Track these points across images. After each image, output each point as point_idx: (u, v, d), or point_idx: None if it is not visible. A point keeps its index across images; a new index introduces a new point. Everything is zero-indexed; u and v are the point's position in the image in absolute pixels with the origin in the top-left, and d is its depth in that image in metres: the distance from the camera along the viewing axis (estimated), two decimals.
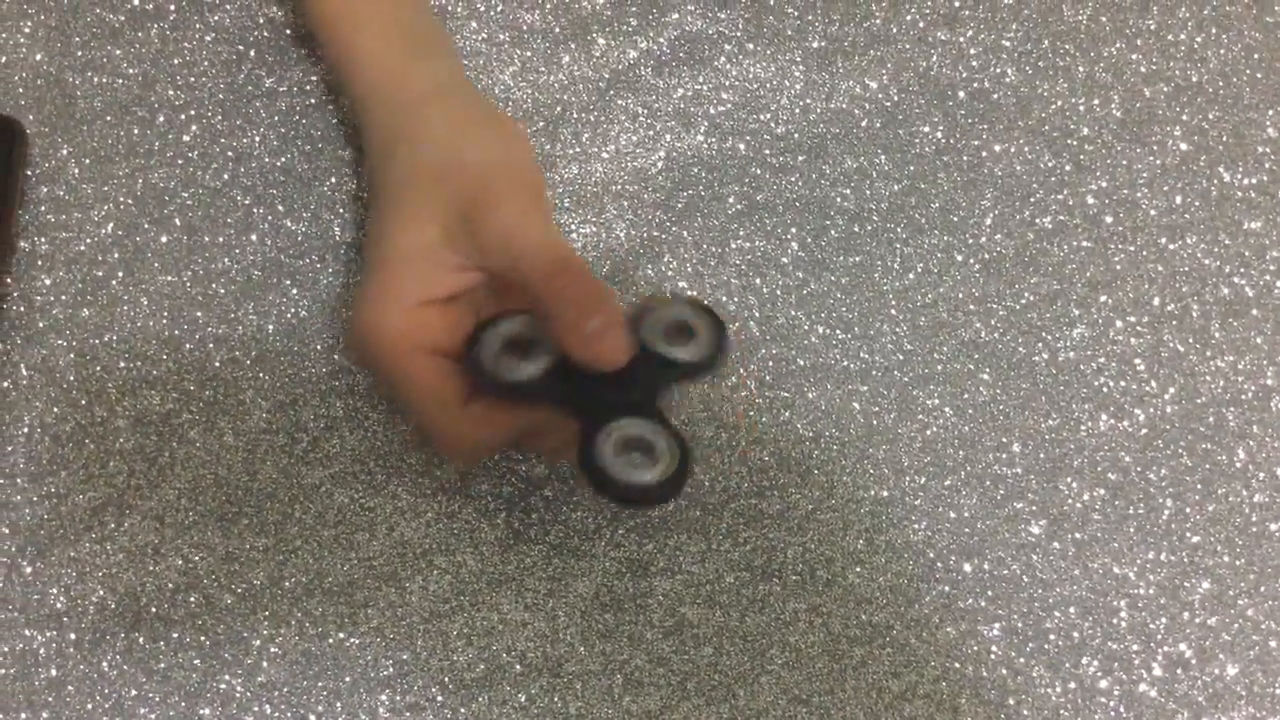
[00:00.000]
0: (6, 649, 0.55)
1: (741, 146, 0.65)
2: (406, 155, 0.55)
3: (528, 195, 0.54)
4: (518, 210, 0.53)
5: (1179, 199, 0.65)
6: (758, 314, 0.62)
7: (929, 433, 0.60)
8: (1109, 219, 0.64)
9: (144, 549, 0.57)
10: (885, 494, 0.59)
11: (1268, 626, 0.58)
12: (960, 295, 0.63)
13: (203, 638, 0.56)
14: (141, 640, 0.55)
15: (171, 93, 0.64)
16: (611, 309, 0.50)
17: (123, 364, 0.59)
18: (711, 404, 0.60)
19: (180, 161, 0.63)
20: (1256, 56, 0.67)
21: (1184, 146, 0.65)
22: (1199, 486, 0.60)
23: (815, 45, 0.67)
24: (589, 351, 0.49)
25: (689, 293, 0.62)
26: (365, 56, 0.58)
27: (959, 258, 0.63)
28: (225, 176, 0.63)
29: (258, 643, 0.56)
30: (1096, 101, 0.66)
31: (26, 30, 0.65)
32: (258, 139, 0.64)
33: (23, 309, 0.60)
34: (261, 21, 0.66)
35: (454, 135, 0.55)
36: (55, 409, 0.58)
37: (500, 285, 0.54)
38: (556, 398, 0.51)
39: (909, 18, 0.67)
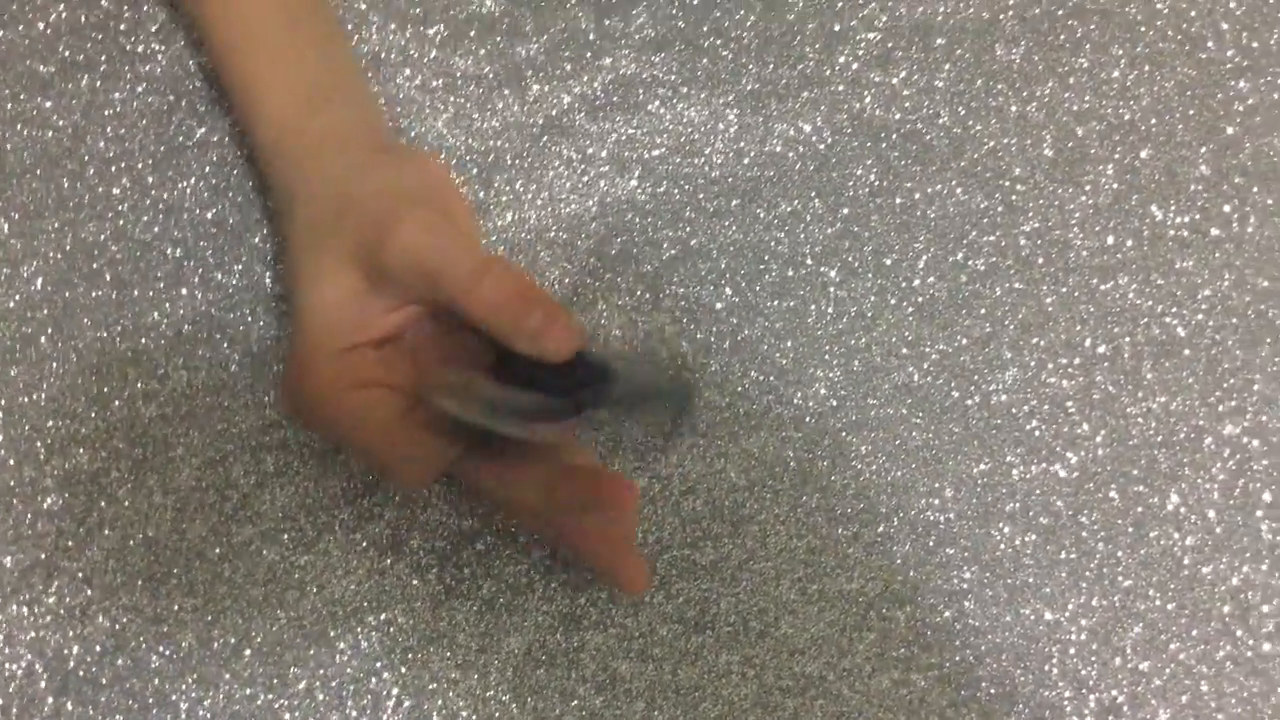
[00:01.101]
0: None
1: (675, 191, 0.65)
2: (304, 210, 0.55)
3: (429, 213, 0.52)
4: (419, 229, 0.51)
5: (1111, 239, 0.65)
6: (691, 361, 0.62)
7: (862, 479, 0.60)
8: (1040, 260, 0.64)
9: (72, 611, 0.56)
10: (818, 542, 0.59)
11: (1199, 671, 0.58)
12: (893, 339, 0.63)
13: (131, 701, 0.55)
14: (69, 705, 0.55)
15: (102, 145, 0.64)
16: (548, 300, 0.49)
17: (51, 423, 0.59)
18: (645, 454, 0.60)
19: (110, 215, 0.63)
20: (1189, 93, 0.68)
21: (1116, 185, 0.66)
22: (1130, 530, 0.60)
23: (749, 88, 0.67)
24: (538, 347, 0.49)
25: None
26: (266, 111, 0.58)
27: (892, 301, 0.63)
28: (156, 229, 0.63)
29: (186, 705, 0.55)
30: (1029, 141, 0.66)
31: None
32: (188, 190, 0.63)
33: None
34: (193, 70, 0.65)
35: (348, 180, 0.54)
36: None
37: (440, 314, 0.53)
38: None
39: (842, 59, 0.67)
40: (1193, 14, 0.69)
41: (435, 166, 0.59)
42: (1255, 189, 0.66)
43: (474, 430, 0.51)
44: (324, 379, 0.51)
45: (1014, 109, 0.67)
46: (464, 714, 0.56)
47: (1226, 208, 0.65)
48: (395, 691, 0.56)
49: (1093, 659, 0.58)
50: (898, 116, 0.67)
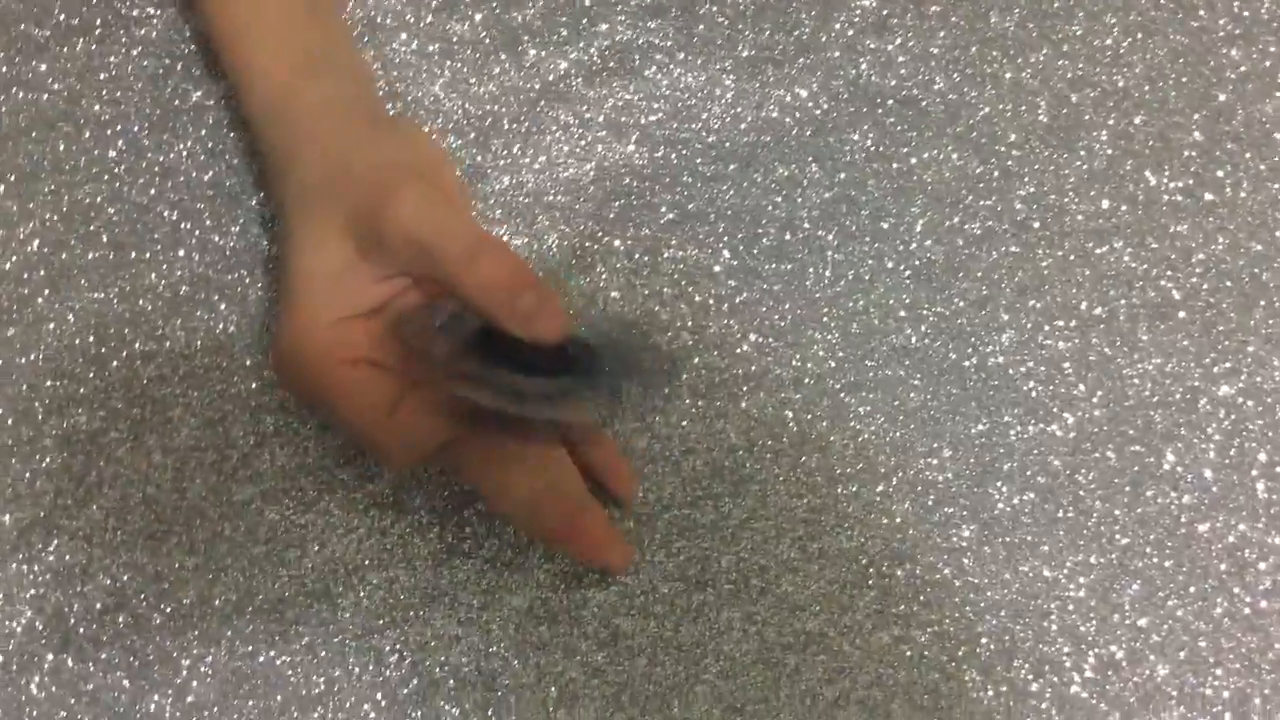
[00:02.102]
0: None
1: (673, 156, 0.65)
2: (298, 176, 0.54)
3: (425, 187, 0.52)
4: (417, 202, 0.51)
5: (1105, 203, 0.65)
6: (690, 323, 0.62)
7: (861, 440, 0.61)
8: (1036, 224, 0.65)
9: (72, 569, 0.56)
10: (818, 501, 0.59)
11: (1197, 627, 0.58)
12: (891, 302, 0.63)
13: (132, 658, 0.55)
14: (70, 661, 0.55)
15: (97, 108, 0.64)
16: (540, 282, 0.49)
17: (49, 383, 0.59)
18: (644, 414, 0.60)
19: (106, 177, 0.63)
20: (1182, 61, 0.68)
21: (1110, 151, 0.66)
22: (1128, 489, 0.60)
23: (745, 54, 0.67)
24: (528, 327, 0.48)
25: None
26: (259, 76, 0.57)
27: (889, 264, 0.64)
28: (152, 192, 0.63)
29: (187, 662, 0.55)
30: (1024, 108, 0.67)
31: None
32: (185, 153, 0.63)
33: None
34: (188, 35, 0.65)
35: (345, 149, 0.54)
36: None
37: (429, 286, 0.53)
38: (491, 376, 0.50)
39: (838, 26, 0.68)
40: None
41: (430, 142, 0.59)
42: (1248, 154, 0.66)
43: (463, 414, 0.51)
44: (316, 352, 0.51)
45: (1009, 75, 0.67)
46: (466, 670, 0.56)
47: (1220, 173, 0.66)
48: (398, 648, 0.56)
49: (1091, 615, 0.58)
50: (893, 83, 0.67)
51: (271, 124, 0.57)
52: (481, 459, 0.54)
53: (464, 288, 0.49)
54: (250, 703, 0.55)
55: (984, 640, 0.58)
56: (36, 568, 0.56)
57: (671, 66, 0.67)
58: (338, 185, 0.53)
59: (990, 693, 0.57)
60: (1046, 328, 0.63)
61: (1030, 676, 0.57)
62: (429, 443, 0.52)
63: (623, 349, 0.53)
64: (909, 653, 0.57)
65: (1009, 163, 0.66)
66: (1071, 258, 0.64)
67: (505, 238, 0.63)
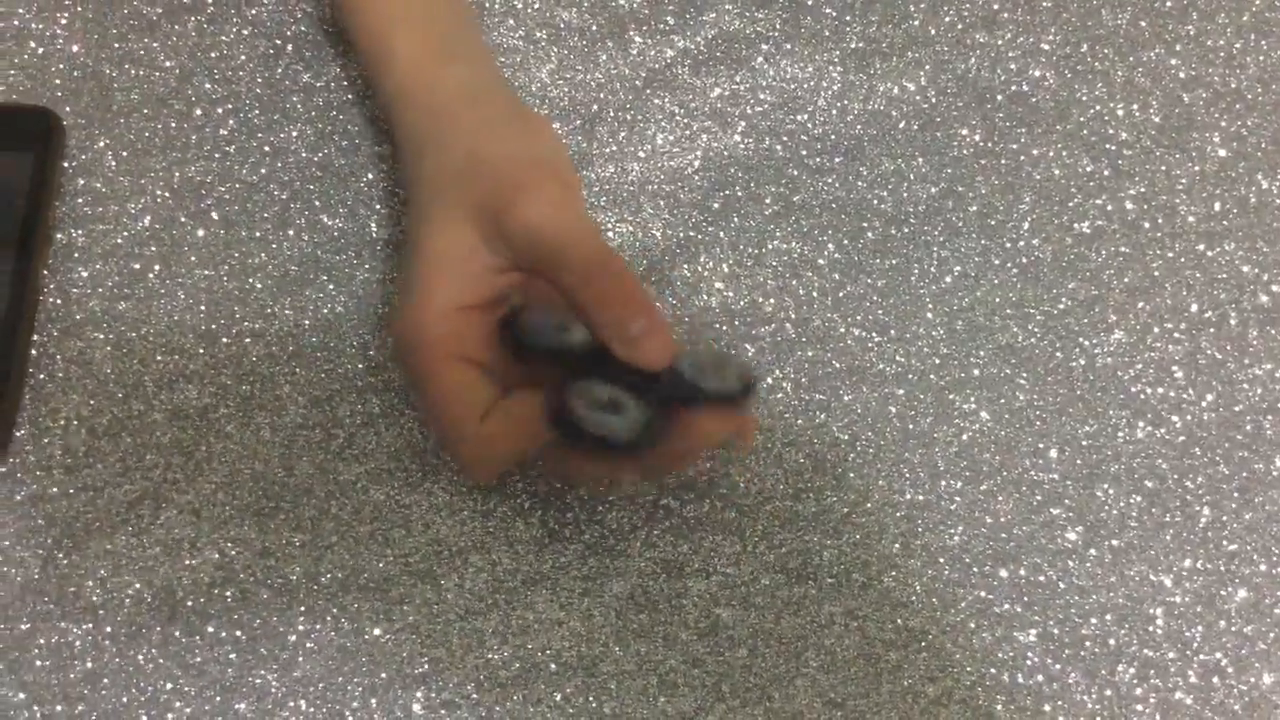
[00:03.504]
0: (43, 641, 0.55)
1: (778, 147, 0.65)
2: (434, 159, 0.55)
3: (557, 188, 0.53)
4: (546, 204, 0.52)
5: (1217, 205, 0.64)
6: (794, 316, 0.62)
7: (965, 437, 0.60)
8: (1147, 225, 0.64)
9: (180, 543, 0.57)
10: (921, 498, 0.59)
11: None
12: (997, 299, 0.63)
13: (238, 632, 0.56)
14: (177, 634, 0.55)
15: (209, 86, 0.64)
16: (652, 310, 0.50)
17: (159, 358, 0.59)
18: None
19: (217, 155, 0.63)
20: None
21: (1222, 153, 0.65)
22: (1236, 495, 0.60)
23: (853, 46, 0.67)
24: (633, 353, 0.49)
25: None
26: (395, 59, 0.58)
27: (996, 261, 0.63)
28: (262, 171, 0.63)
29: (293, 638, 0.56)
30: (1135, 106, 0.66)
31: (63, 22, 0.65)
32: (295, 134, 0.64)
33: (59, 301, 0.60)
34: (299, 16, 0.66)
35: (479, 136, 0.55)
36: (92, 402, 0.58)
37: (535, 282, 0.54)
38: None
39: (947, 19, 0.67)
40: None
41: (555, 135, 0.59)
42: None
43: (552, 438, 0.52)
44: (432, 339, 0.52)
45: (1120, 74, 0.67)
46: (567, 655, 0.56)
47: None
48: (500, 630, 0.56)
49: (1197, 621, 0.58)
50: (1003, 78, 0.66)
51: (409, 107, 0.57)
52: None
53: (578, 298, 0.50)
54: (355, 680, 0.55)
55: (1088, 644, 0.57)
56: (145, 540, 0.57)
57: (778, 57, 0.66)
58: (471, 173, 0.53)
59: (1094, 696, 0.56)
60: (1156, 329, 0.62)
61: (1135, 681, 0.57)
62: (509, 458, 0.52)
63: (710, 378, 0.53)
64: (1012, 653, 0.57)
65: (1120, 162, 0.65)
66: (1182, 259, 0.63)
67: (609, 226, 0.63)
